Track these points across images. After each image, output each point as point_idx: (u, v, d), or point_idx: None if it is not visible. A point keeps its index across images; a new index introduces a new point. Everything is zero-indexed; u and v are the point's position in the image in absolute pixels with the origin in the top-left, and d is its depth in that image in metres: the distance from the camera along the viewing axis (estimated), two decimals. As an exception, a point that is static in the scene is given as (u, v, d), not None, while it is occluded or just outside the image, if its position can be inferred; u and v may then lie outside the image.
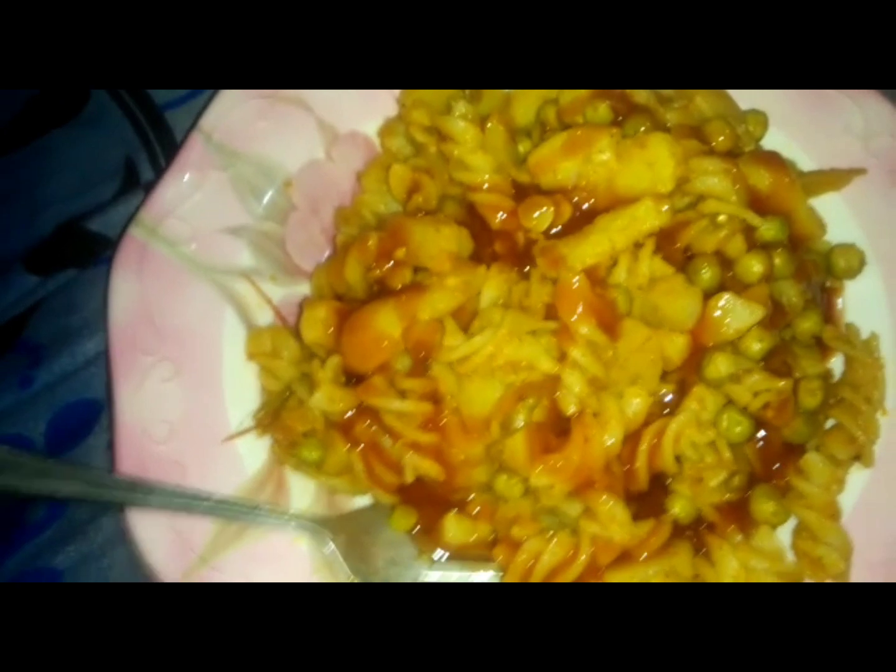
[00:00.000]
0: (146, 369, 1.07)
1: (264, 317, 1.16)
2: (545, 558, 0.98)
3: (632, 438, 1.01)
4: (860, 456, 1.06)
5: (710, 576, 0.99)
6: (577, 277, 0.97)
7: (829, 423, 1.09)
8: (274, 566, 1.02)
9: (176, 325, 1.09)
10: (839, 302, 1.17)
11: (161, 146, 1.33)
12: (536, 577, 0.98)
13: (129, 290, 1.09)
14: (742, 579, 0.97)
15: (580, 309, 0.96)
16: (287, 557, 1.03)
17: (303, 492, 1.11)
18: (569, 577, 0.98)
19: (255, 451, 1.08)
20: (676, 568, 0.98)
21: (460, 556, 1.07)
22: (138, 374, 1.07)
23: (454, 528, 1.04)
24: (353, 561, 1.04)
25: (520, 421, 0.97)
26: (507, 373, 0.97)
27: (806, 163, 1.20)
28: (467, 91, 1.20)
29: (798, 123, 1.21)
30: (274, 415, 1.07)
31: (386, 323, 1.02)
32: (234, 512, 1.03)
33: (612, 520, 0.97)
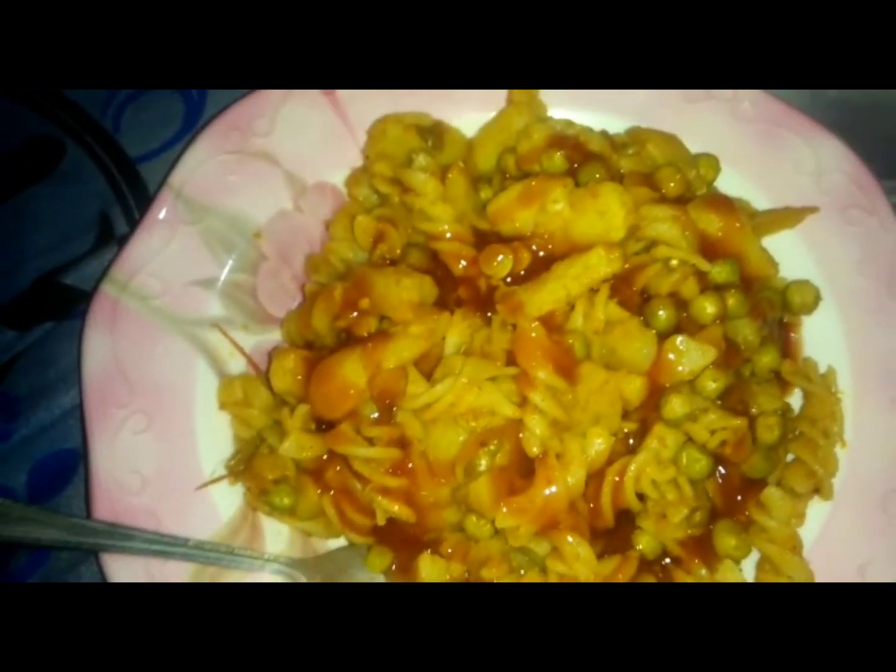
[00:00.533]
0: (119, 422, 1.10)
1: (237, 365, 1.19)
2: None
3: (596, 477, 1.04)
4: (819, 489, 1.08)
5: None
6: (534, 325, 0.99)
7: (790, 457, 1.12)
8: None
9: (148, 378, 1.12)
10: (796, 337, 1.19)
11: (135, 199, 1.36)
12: None
13: (101, 344, 1.12)
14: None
15: (538, 356, 0.98)
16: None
17: (277, 536, 1.13)
18: None
19: (228, 498, 1.11)
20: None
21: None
22: (112, 427, 1.09)
23: (428, 567, 1.06)
24: None
25: (483, 465, 1.00)
26: (469, 419, 1.00)
27: (761, 200, 1.24)
28: (429, 139, 1.25)
29: (751, 163, 1.24)
30: (246, 462, 1.10)
31: (352, 372, 1.05)
32: (211, 556, 1.05)
33: (576, 559, 0.99)
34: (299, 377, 1.09)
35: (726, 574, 1.04)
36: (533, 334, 0.99)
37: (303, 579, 1.08)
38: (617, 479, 1.02)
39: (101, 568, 1.05)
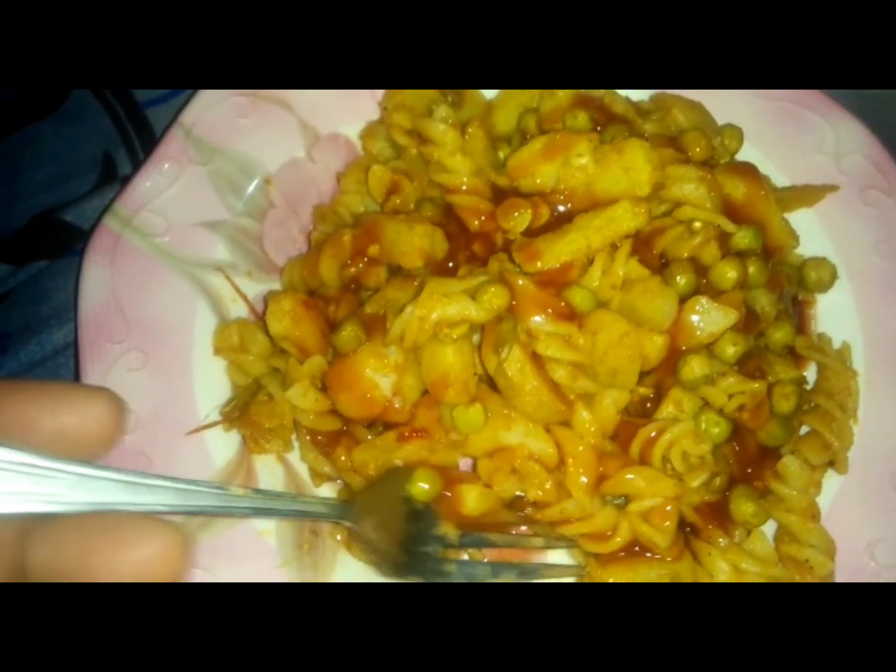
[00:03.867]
0: (114, 358, 1.05)
1: (238, 312, 1.15)
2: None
3: (627, 429, 1.00)
4: (834, 462, 1.06)
5: (705, 579, 0.98)
6: (521, 279, 0.96)
7: (804, 430, 1.10)
8: (239, 560, 0.99)
9: (147, 316, 1.08)
10: (810, 315, 1.18)
11: (141, 142, 1.32)
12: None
13: (100, 279, 1.08)
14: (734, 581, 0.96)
15: (531, 306, 0.95)
16: (253, 551, 1.00)
17: (273, 484, 1.08)
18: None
19: (223, 444, 1.06)
20: (680, 573, 0.97)
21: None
22: (106, 362, 1.04)
23: (472, 498, 1.00)
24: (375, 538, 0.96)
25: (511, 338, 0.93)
26: (443, 329, 0.94)
27: (779, 179, 1.23)
28: (449, 96, 1.22)
29: (772, 141, 1.23)
30: (242, 409, 1.05)
31: (375, 371, 1.00)
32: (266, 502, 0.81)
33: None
34: (296, 321, 1.05)
35: (755, 544, 1.01)
36: (520, 282, 0.95)
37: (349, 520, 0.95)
38: (653, 434, 0.98)
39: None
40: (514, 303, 0.96)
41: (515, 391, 0.93)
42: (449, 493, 0.99)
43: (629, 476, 0.95)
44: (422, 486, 0.96)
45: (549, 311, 0.94)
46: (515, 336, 0.92)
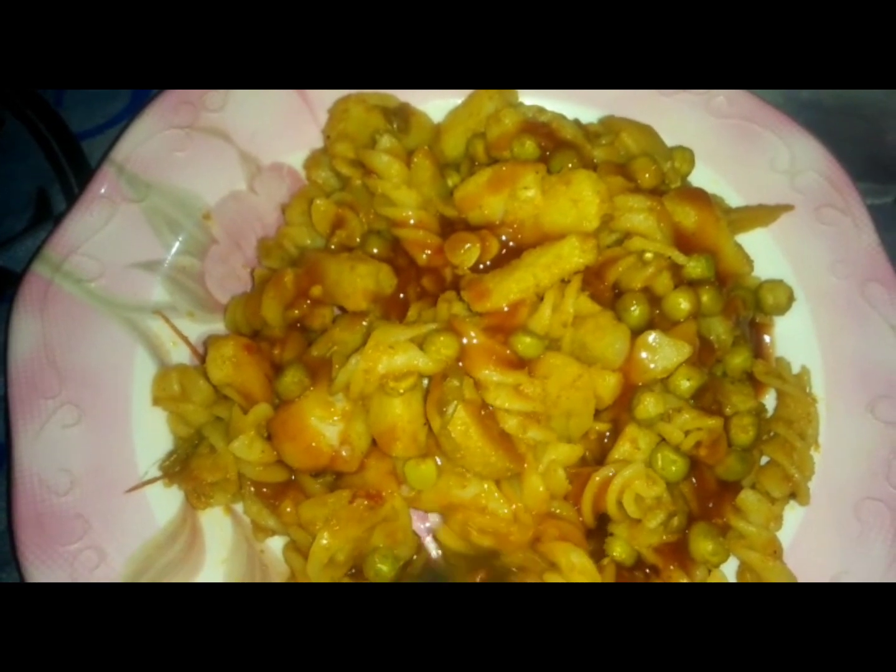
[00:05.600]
0: (47, 414, 1.00)
1: (181, 356, 1.10)
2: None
3: (579, 478, 0.98)
4: (796, 494, 1.04)
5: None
6: (472, 331, 0.93)
7: (764, 459, 1.08)
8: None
9: (81, 367, 1.03)
10: (769, 337, 1.16)
11: (76, 177, 1.27)
12: None
13: (30, 329, 1.03)
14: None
15: (477, 358, 0.92)
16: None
17: (220, 541, 1.04)
18: None
19: (166, 500, 1.02)
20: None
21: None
22: (38, 419, 1.00)
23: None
24: None
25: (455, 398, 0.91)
26: (390, 381, 0.91)
27: (734, 199, 1.21)
28: (395, 122, 1.18)
29: (725, 160, 1.21)
30: (183, 463, 1.01)
31: (319, 420, 0.96)
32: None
33: (572, 569, 0.93)
34: (239, 367, 1.00)
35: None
36: (471, 332, 0.92)
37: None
38: (605, 480, 0.95)
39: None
40: (464, 357, 0.93)
41: (461, 452, 0.90)
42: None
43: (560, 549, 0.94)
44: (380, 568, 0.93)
45: (498, 360, 0.91)
46: (460, 394, 0.89)
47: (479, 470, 0.91)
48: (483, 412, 0.91)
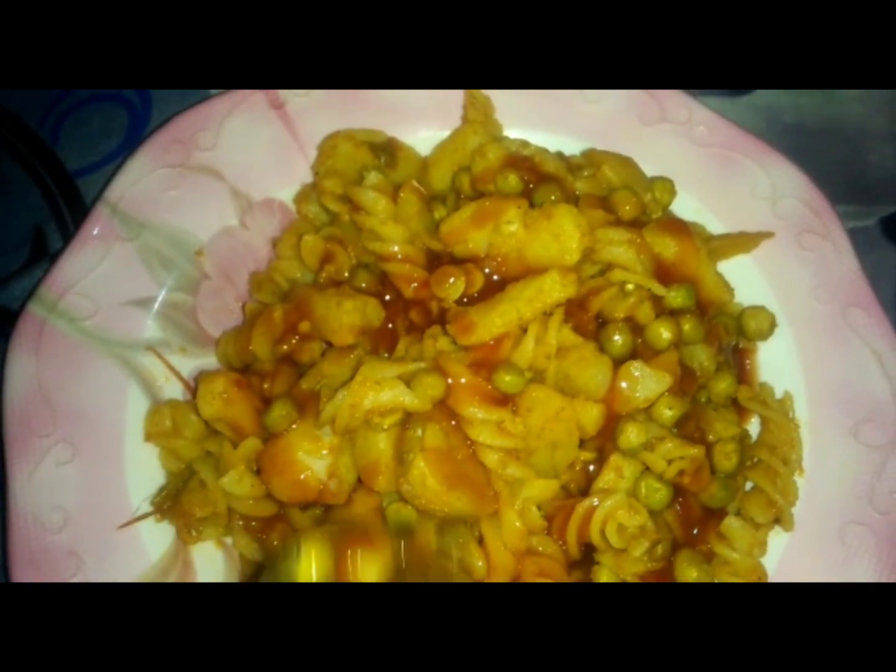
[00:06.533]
0: (42, 453, 1.02)
1: (173, 391, 1.12)
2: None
3: (564, 510, 0.99)
4: (780, 519, 1.05)
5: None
6: (462, 378, 0.95)
7: (749, 485, 1.09)
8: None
9: (75, 405, 1.05)
10: (751, 363, 1.17)
11: (72, 215, 1.29)
12: None
13: (25, 369, 1.05)
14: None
15: (462, 394, 0.94)
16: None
17: (212, 575, 1.05)
18: None
19: (158, 535, 1.03)
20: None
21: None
22: (33, 458, 1.01)
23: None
24: None
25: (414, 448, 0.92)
26: (375, 417, 0.93)
27: (715, 226, 1.23)
28: (382, 157, 1.21)
29: (706, 187, 1.23)
30: (173, 498, 1.02)
31: (307, 455, 0.98)
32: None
33: None
34: (229, 403, 1.02)
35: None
36: (462, 379, 0.94)
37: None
38: (588, 511, 0.97)
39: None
40: (450, 396, 0.94)
41: (420, 500, 0.91)
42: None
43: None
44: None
45: (483, 397, 0.92)
46: (420, 443, 0.91)
47: (441, 515, 0.92)
48: (461, 454, 0.93)
